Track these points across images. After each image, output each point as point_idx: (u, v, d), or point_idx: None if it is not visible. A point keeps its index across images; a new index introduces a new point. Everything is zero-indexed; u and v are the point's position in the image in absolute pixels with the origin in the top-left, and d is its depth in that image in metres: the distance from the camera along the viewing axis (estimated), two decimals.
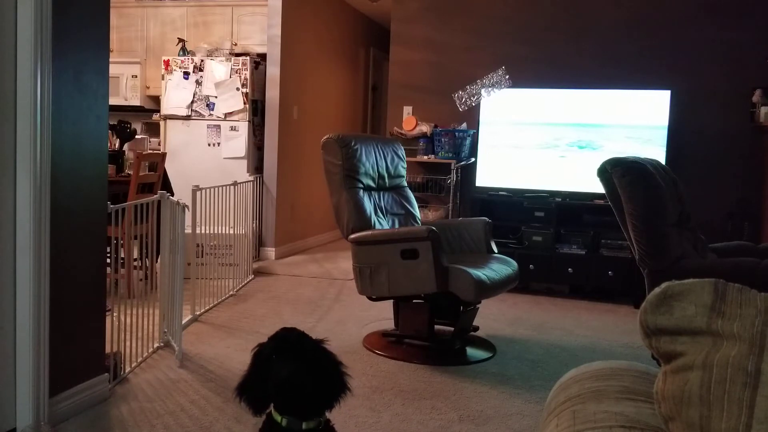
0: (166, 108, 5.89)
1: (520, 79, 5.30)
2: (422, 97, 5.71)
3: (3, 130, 2.23)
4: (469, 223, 3.89)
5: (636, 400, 1.06)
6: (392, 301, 3.57)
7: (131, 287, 4.02)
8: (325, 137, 3.60)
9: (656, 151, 4.72)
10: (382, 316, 4.10)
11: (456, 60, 5.60)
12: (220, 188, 4.60)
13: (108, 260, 2.87)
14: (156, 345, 3.34)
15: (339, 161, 3.52)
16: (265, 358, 1.54)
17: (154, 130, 6.45)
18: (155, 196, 3.50)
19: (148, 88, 6.70)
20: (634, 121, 4.80)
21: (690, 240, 3.31)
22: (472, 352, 3.50)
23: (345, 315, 4.15)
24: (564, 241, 4.92)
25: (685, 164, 4.92)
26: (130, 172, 4.50)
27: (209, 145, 5.83)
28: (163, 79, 5.90)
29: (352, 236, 3.42)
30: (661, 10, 5.09)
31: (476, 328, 3.73)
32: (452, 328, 3.52)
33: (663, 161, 4.56)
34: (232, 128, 5.78)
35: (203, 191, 4.23)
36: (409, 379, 3.05)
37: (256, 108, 5.86)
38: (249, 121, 5.77)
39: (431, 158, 5.39)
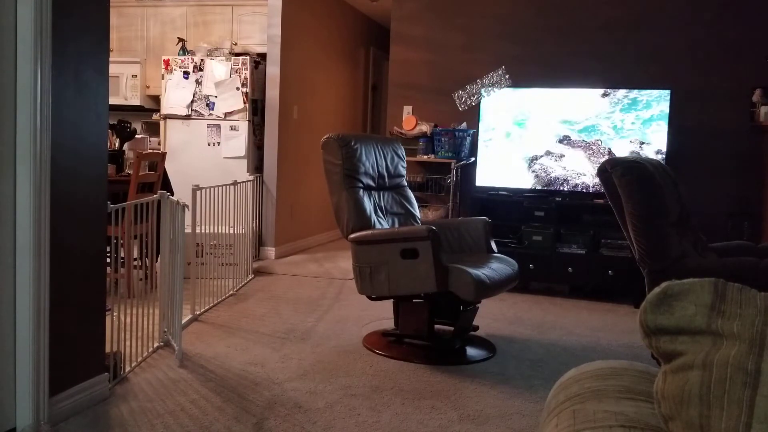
0: (166, 107, 5.89)
1: (520, 79, 5.30)
2: (422, 97, 5.71)
3: (3, 129, 2.23)
4: (468, 222, 3.89)
5: (636, 400, 1.06)
6: (392, 300, 3.57)
7: (131, 287, 4.02)
8: (325, 137, 3.60)
9: (656, 150, 4.72)
10: (382, 315, 4.10)
11: (456, 60, 5.60)
12: (220, 188, 4.59)
13: (108, 260, 2.87)
14: (156, 345, 3.34)
15: (339, 161, 3.53)
16: None
17: (154, 129, 6.44)
18: (155, 195, 3.50)
19: (148, 87, 6.70)
20: (635, 121, 4.80)
21: (690, 240, 3.30)
22: (472, 351, 3.50)
23: (345, 314, 4.15)
24: (564, 241, 4.92)
25: (685, 164, 4.92)
26: (130, 172, 4.50)
27: (209, 144, 5.83)
28: (163, 78, 5.90)
29: (352, 236, 3.42)
30: (661, 10, 5.08)
31: (476, 328, 3.73)
32: (452, 328, 3.52)
33: (663, 161, 4.56)
34: (232, 128, 5.78)
35: (203, 191, 4.23)
36: (409, 379, 3.05)
37: (256, 107, 5.86)
38: (249, 120, 5.77)
39: (431, 158, 5.39)
